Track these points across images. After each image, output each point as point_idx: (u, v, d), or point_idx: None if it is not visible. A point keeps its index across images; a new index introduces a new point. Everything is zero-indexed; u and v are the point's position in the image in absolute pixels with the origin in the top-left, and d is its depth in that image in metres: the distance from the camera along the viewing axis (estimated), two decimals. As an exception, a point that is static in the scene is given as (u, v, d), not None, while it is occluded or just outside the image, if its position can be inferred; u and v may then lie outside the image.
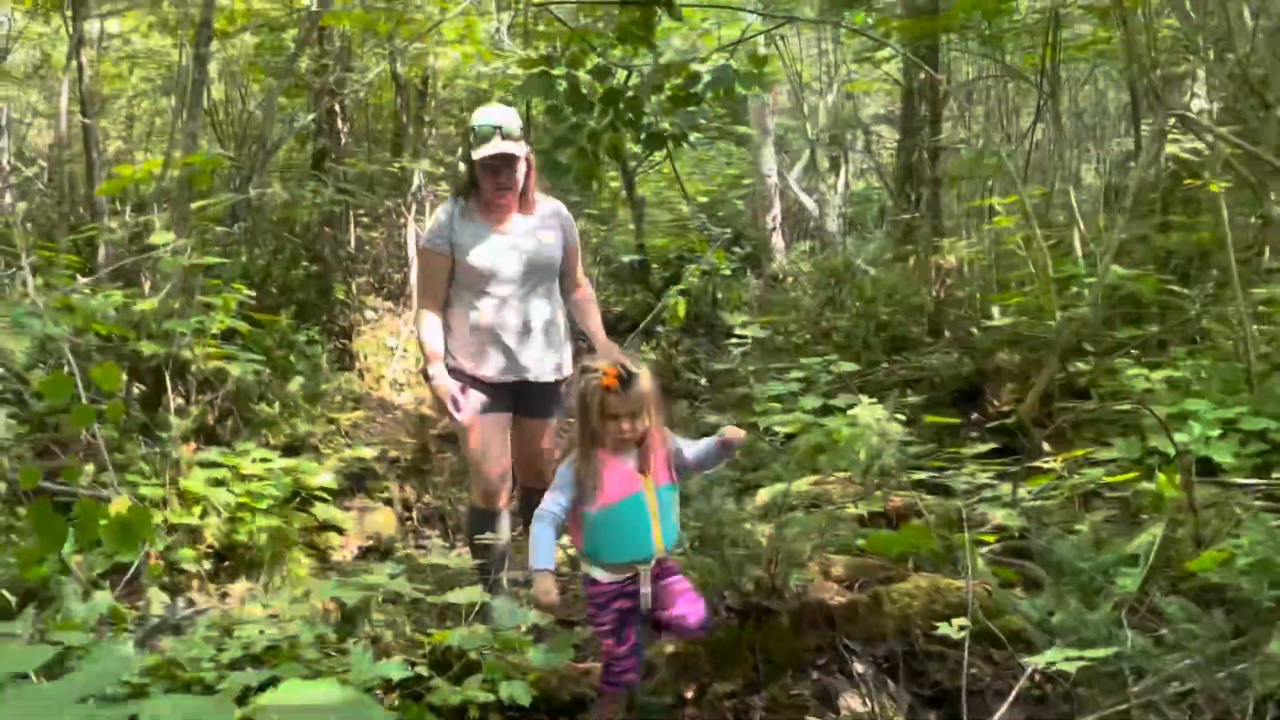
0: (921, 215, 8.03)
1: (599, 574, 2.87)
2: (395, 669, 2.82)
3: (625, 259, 6.37)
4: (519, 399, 3.79)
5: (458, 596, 2.96)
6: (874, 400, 4.34)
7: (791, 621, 3.14)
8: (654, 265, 6.35)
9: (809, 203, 12.35)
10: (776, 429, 4.14)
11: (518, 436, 3.88)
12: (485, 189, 3.62)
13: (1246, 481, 3.90)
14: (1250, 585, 2.48)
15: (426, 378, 3.72)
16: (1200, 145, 7.03)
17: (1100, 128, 11.88)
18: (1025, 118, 9.51)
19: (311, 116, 7.22)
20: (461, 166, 3.87)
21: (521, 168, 3.65)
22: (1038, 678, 2.89)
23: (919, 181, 8.53)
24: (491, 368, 3.69)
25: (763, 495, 4.02)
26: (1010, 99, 9.24)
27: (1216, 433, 4.16)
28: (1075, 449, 4.51)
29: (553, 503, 2.82)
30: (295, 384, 5.89)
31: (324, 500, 4.77)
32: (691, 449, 2.96)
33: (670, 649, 3.22)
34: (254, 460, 4.42)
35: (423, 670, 2.85)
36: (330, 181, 7.58)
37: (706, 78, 4.63)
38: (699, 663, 3.17)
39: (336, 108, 7.92)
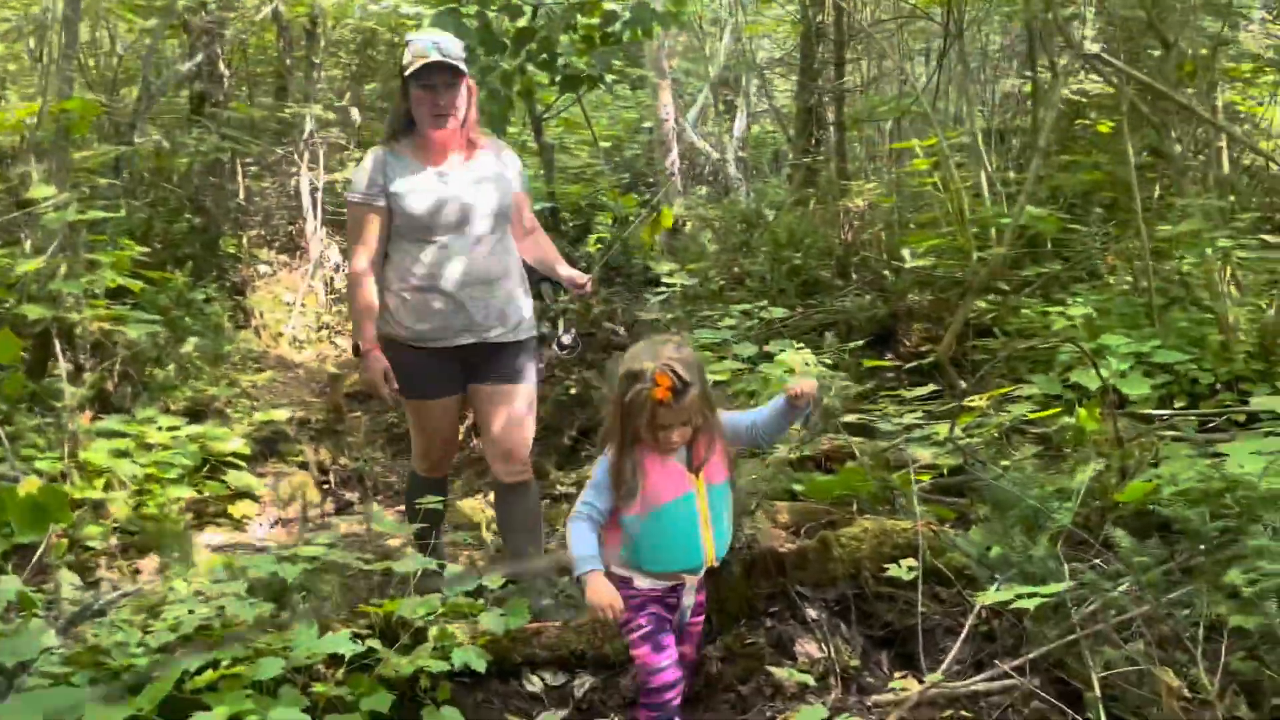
0: (825, 159, 8.06)
1: (638, 580, 2.51)
2: (343, 643, 2.71)
3: (536, 207, 6.18)
4: (476, 365, 3.33)
5: (404, 565, 2.84)
6: (800, 345, 4.34)
7: (742, 570, 3.14)
8: (565, 214, 6.20)
9: (706, 147, 12.29)
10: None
11: (482, 410, 3.40)
12: (422, 119, 3.20)
13: (1161, 412, 4.06)
14: (1195, 515, 2.57)
15: (357, 353, 3.32)
16: (1089, 86, 7.23)
17: (984, 70, 12.11)
18: (923, 62, 9.63)
19: (198, 59, 6.76)
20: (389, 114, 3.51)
21: (463, 93, 3.23)
22: (984, 613, 2.96)
23: (820, 125, 8.55)
24: (439, 329, 3.25)
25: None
26: (906, 43, 9.32)
27: (1127, 366, 4.32)
28: (990, 387, 4.62)
29: (589, 505, 2.44)
30: (191, 344, 5.58)
31: (236, 467, 4.54)
32: (749, 419, 2.57)
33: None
34: (160, 428, 4.16)
35: (373, 643, 2.74)
36: (214, 128, 7.14)
37: (625, 16, 4.48)
38: (651, 616, 3.14)
39: (218, 49, 7.43)
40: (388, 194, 3.22)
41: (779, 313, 4.66)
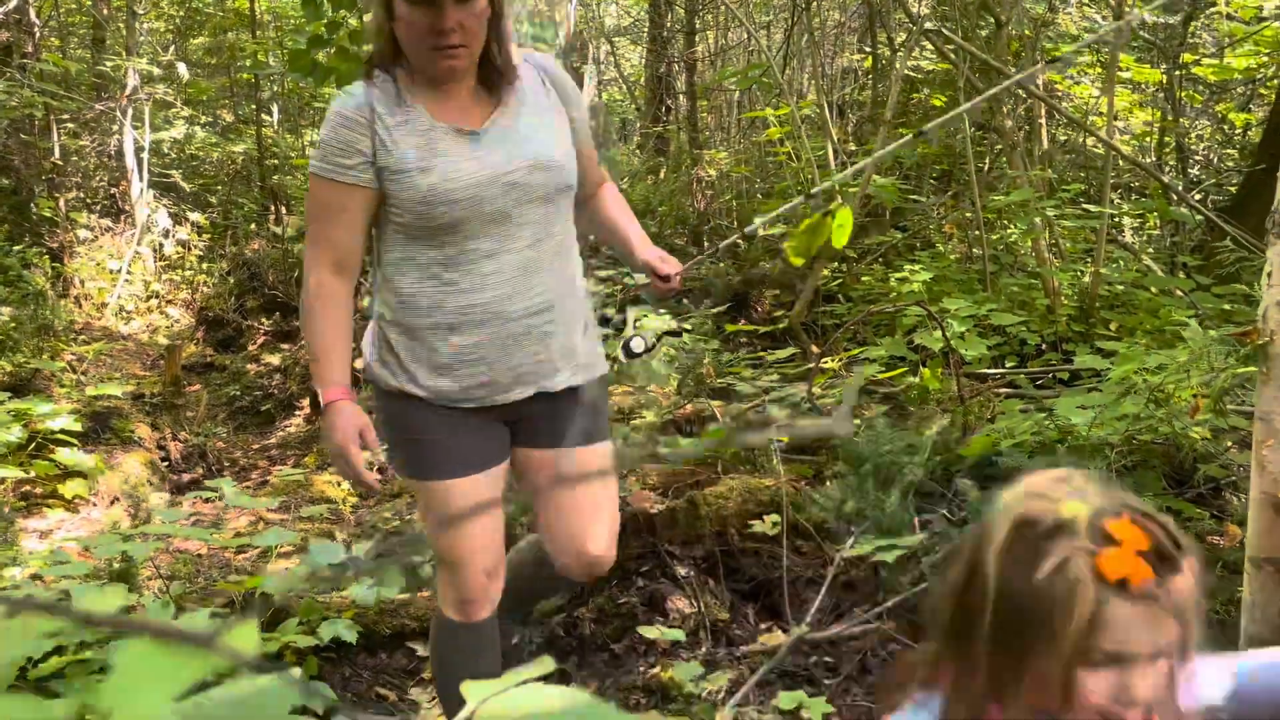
0: (676, 127, 8.14)
1: None
2: (203, 620, 2.60)
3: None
4: (531, 422, 2.09)
5: (268, 539, 2.74)
6: (663, 311, 4.40)
7: (613, 532, 3.18)
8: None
9: (554, 113, 12.20)
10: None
11: (542, 488, 2.23)
12: (418, 53, 1.86)
13: (995, 371, 4.33)
14: (1034, 464, 2.76)
15: (318, 407, 2.09)
16: (924, 62, 7.57)
17: (823, 45, 12.49)
18: (766, 35, 9.82)
19: (8, 7, 6.18)
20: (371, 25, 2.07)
21: (481, 5, 1.84)
22: (844, 564, 3.10)
23: (671, 93, 8.62)
24: (475, 386, 1.98)
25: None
26: (751, 15, 9.49)
27: (965, 328, 4.58)
28: (839, 350, 4.82)
29: None
30: (5, 314, 5.16)
31: (66, 444, 4.25)
32: (1250, 679, 1.19)
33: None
34: (-20, 404, 3.85)
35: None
36: (26, 81, 6.58)
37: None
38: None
39: (26, -6, 6.84)
40: (379, 169, 1.88)
41: (641, 279, 4.69)
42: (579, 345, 2.06)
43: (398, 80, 1.89)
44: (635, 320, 2.39)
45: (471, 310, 1.91)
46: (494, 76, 1.94)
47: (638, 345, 2.36)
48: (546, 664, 0.51)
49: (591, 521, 2.15)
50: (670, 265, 2.17)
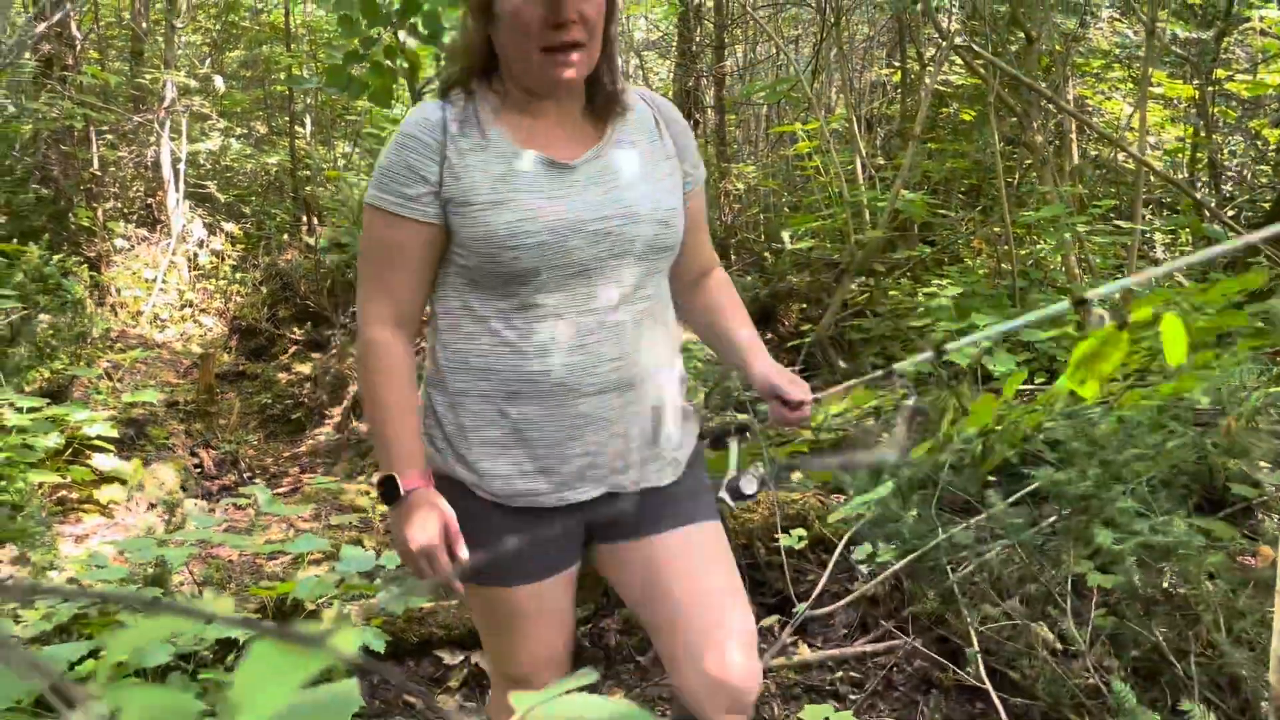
0: (703, 141, 8.17)
1: None
2: (234, 627, 2.64)
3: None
4: (613, 518, 1.66)
5: (299, 546, 2.78)
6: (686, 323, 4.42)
7: (640, 544, 3.19)
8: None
9: (583, 126, 12.27)
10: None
11: (639, 586, 1.69)
12: (524, 54, 1.50)
13: (1025, 387, 4.31)
14: (1064, 480, 2.75)
15: (386, 498, 1.56)
16: (953, 77, 7.56)
17: (852, 59, 12.51)
18: (794, 49, 9.85)
19: (58, 17, 6.32)
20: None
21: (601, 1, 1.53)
22: (867, 576, 3.10)
23: (699, 107, 8.66)
24: (541, 483, 1.60)
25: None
26: (780, 29, 9.51)
27: (993, 344, 4.56)
28: (865, 365, 4.82)
29: None
30: (46, 322, 5.26)
31: (102, 451, 4.32)
32: None
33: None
34: (20, 410, 3.92)
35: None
36: (66, 93, 6.71)
37: (513, -8, 4.43)
38: (549, 592, 3.16)
39: (69, 8, 6.98)
40: (444, 201, 1.54)
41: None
42: (667, 437, 1.62)
43: (481, 99, 1.55)
44: (736, 449, 1.82)
45: (532, 378, 1.53)
46: (601, 100, 1.58)
47: (749, 486, 1.80)
48: (589, 675, 0.53)
49: (714, 628, 1.61)
50: (799, 389, 1.67)
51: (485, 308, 1.55)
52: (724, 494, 1.81)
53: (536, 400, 1.55)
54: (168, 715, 0.31)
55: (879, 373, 1.74)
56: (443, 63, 5.38)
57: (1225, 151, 7.48)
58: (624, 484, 1.61)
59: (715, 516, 1.70)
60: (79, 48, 7.50)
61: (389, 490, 1.54)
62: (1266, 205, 6.48)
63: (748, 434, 1.83)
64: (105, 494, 4.23)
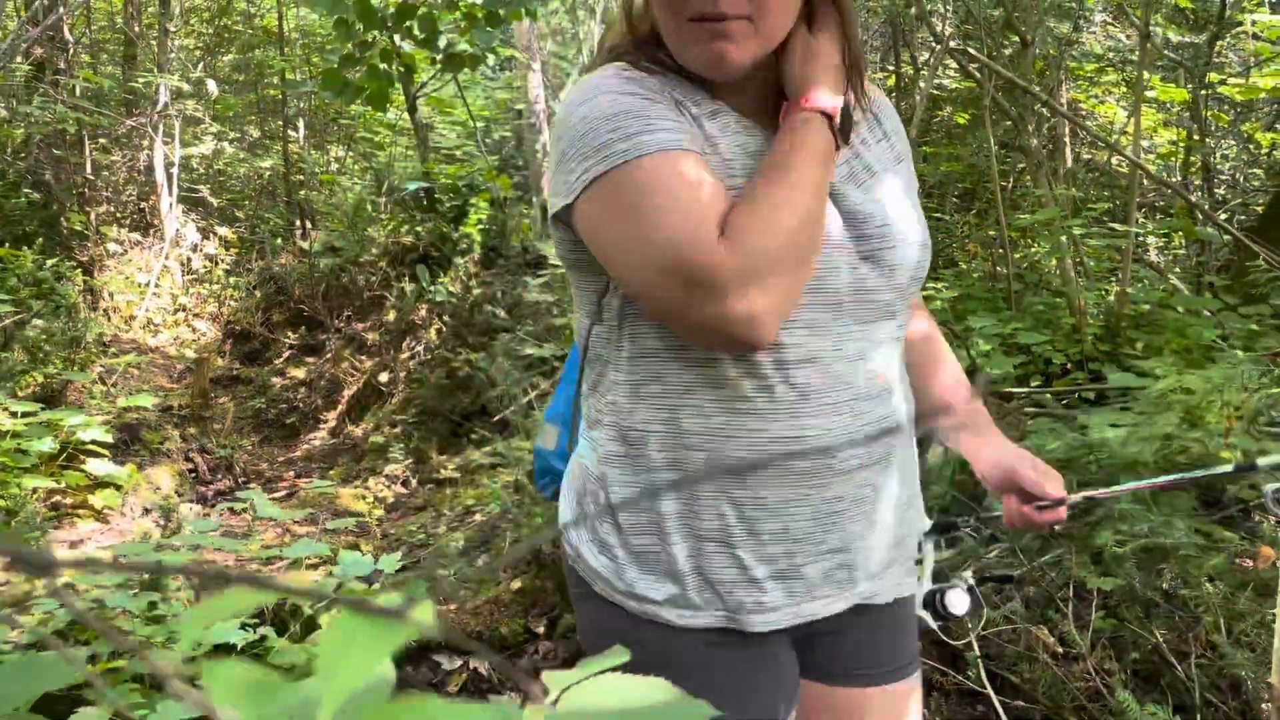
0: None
1: None
2: (233, 632, 2.63)
3: (410, 187, 6.08)
4: (823, 649, 1.24)
5: (297, 550, 2.77)
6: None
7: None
8: (441, 196, 6.10)
9: (577, 130, 12.26)
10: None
11: None
12: (671, 23, 1.10)
13: (1021, 390, 4.32)
14: (1064, 482, 2.75)
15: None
16: (946, 80, 7.58)
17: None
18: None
19: (47, 23, 6.29)
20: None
21: None
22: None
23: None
24: (786, 583, 1.14)
25: (587, 425, 4.02)
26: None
27: (990, 347, 4.57)
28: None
29: None
30: (39, 326, 5.24)
31: (96, 455, 4.30)
32: None
33: (517, 584, 3.19)
34: (15, 414, 3.90)
35: (265, 631, 2.67)
36: (59, 97, 6.69)
37: (509, -5, 4.43)
38: (548, 595, 3.16)
39: (61, 11, 6.96)
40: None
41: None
42: (917, 521, 1.28)
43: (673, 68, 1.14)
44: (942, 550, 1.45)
45: (777, 447, 1.09)
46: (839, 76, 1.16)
47: (958, 604, 1.40)
48: (622, 652, 0.52)
49: None
50: (1054, 483, 1.29)
51: (699, 351, 1.09)
52: (922, 611, 1.40)
53: (780, 477, 1.10)
54: (254, 689, 0.30)
55: (1226, 468, 1.35)
56: (437, 64, 5.42)
57: (1218, 155, 7.51)
58: (877, 592, 1.18)
59: (917, 659, 1.29)
60: (72, 51, 7.49)
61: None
62: (1259, 208, 6.51)
63: (962, 531, 1.44)
64: (100, 499, 4.21)
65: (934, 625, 1.41)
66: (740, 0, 1.05)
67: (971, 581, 1.42)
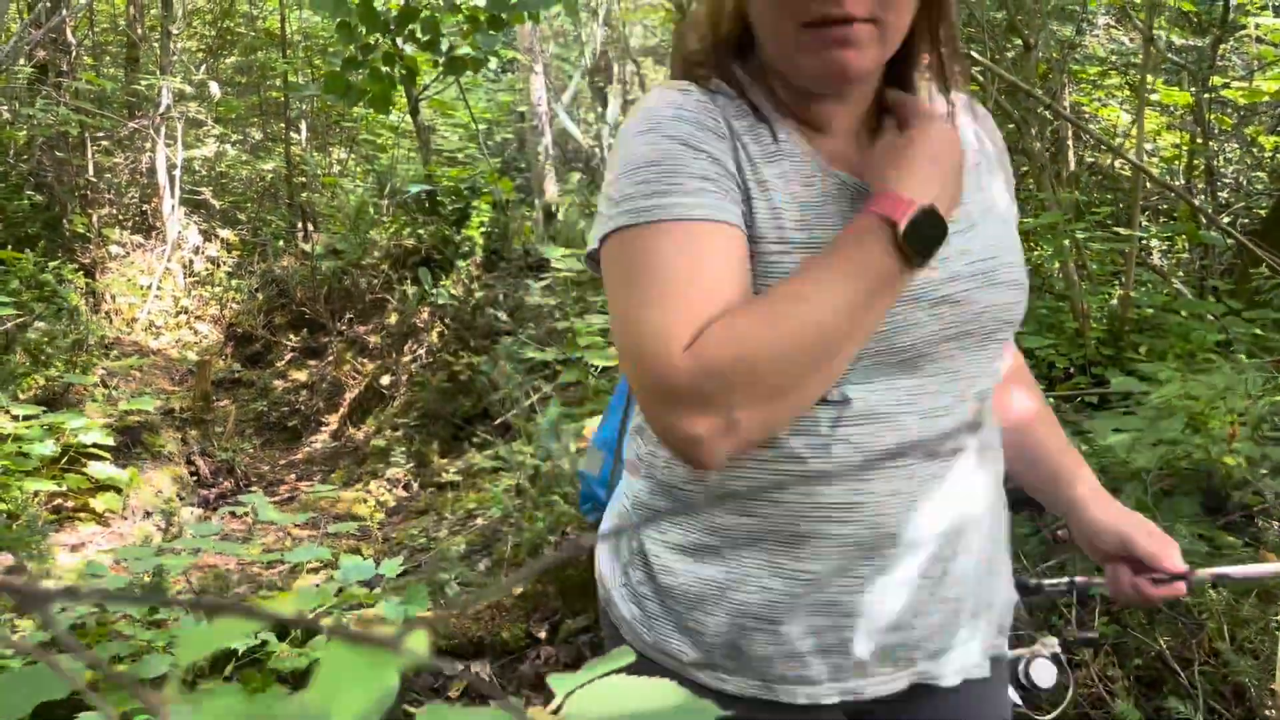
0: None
1: None
2: (234, 637, 2.62)
3: (413, 189, 6.08)
4: None
5: (299, 555, 2.76)
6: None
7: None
8: (443, 198, 6.11)
9: (578, 133, 12.27)
10: (597, 362, 4.13)
11: None
12: (778, 36, 0.97)
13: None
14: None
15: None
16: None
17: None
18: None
19: (54, 23, 6.30)
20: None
21: None
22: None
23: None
24: (833, 658, 1.02)
25: (589, 428, 4.01)
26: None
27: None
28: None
29: None
30: (41, 329, 5.24)
31: (98, 459, 4.29)
32: None
33: (519, 589, 3.18)
34: (16, 417, 3.90)
35: (266, 636, 2.66)
36: (61, 99, 6.69)
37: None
38: (549, 601, 3.15)
39: (64, 13, 6.97)
40: (753, 204, 0.98)
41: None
42: (1000, 592, 1.12)
43: (747, 86, 1.02)
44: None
45: (835, 513, 0.97)
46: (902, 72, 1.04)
47: (1044, 675, 1.28)
48: (627, 653, 0.51)
49: None
50: (1172, 553, 1.15)
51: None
52: (1019, 680, 1.26)
53: (836, 544, 0.98)
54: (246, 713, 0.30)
55: None
56: (439, 67, 5.41)
57: (1221, 158, 7.50)
58: (941, 673, 1.05)
59: None
60: (74, 53, 7.49)
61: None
62: (1262, 211, 6.50)
63: (1048, 593, 1.26)
64: (101, 502, 4.21)
65: (1017, 699, 1.25)
66: (869, 0, 0.91)
67: (1057, 649, 1.26)
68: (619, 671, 0.48)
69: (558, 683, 0.47)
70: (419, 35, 4.71)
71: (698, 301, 0.90)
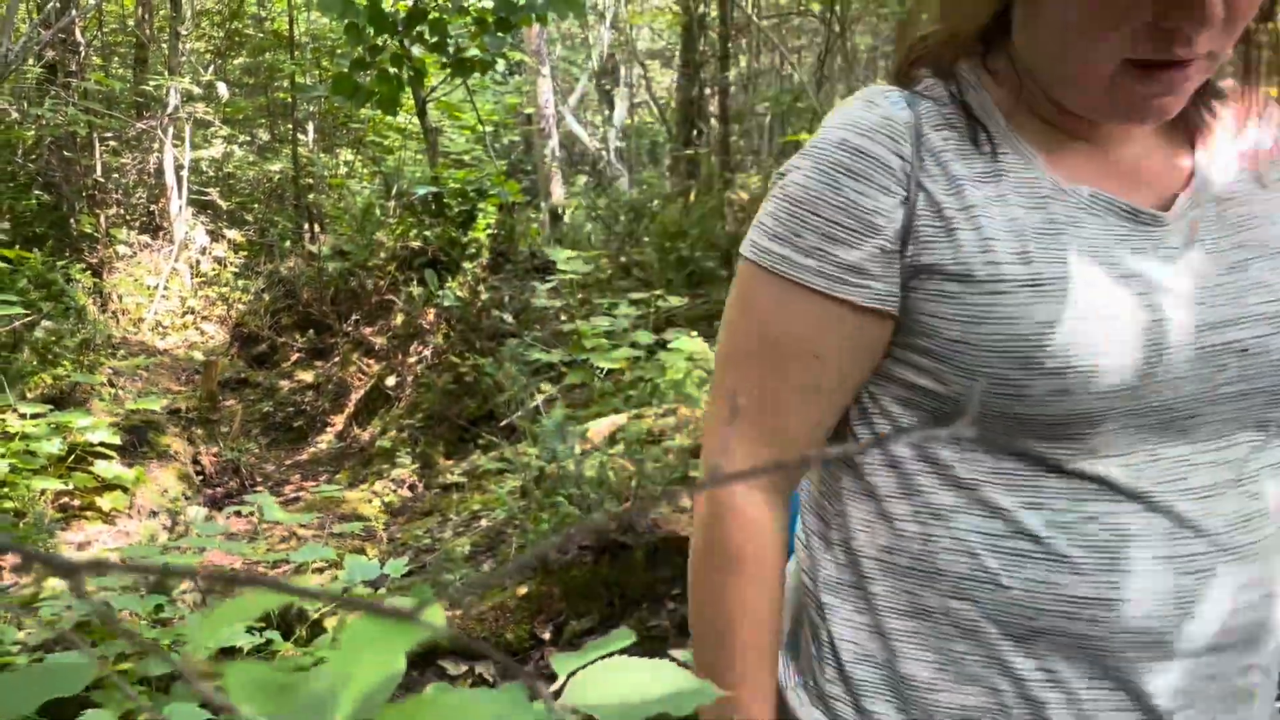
0: (708, 150, 8.19)
1: None
2: (239, 635, 2.63)
3: (420, 191, 6.10)
4: None
5: (304, 554, 2.77)
6: (695, 334, 4.42)
7: (645, 555, 3.19)
8: (449, 200, 6.12)
9: (585, 136, 12.31)
10: (603, 364, 4.14)
11: None
12: (1084, 64, 0.77)
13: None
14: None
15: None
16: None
17: (855, 70, 12.56)
18: (797, 59, 9.88)
19: (63, 23, 6.33)
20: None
21: None
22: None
23: (703, 117, 8.68)
24: None
25: (594, 430, 4.02)
26: (785, 40, 9.55)
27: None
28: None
29: None
30: (48, 328, 5.26)
31: (104, 458, 4.31)
32: None
33: (523, 590, 3.18)
34: (23, 416, 3.91)
35: (271, 635, 2.67)
36: (70, 99, 6.72)
37: (520, 1, 4.45)
38: (554, 602, 3.16)
39: (72, 13, 7.00)
40: (911, 268, 0.83)
41: (677, 301, 4.73)
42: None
43: (973, 89, 0.86)
44: None
45: (1079, 611, 0.80)
46: (1213, 102, 0.89)
47: None
48: (627, 635, 0.52)
49: None
50: None
51: (973, 469, 0.83)
52: None
53: (1078, 649, 0.81)
54: (271, 687, 0.31)
55: None
56: (447, 68, 5.45)
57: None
58: None
59: None
60: (83, 54, 7.52)
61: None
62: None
63: None
64: (107, 501, 4.22)
65: None
66: (1215, 34, 0.74)
67: None
68: (620, 653, 0.49)
69: (560, 662, 0.48)
70: (427, 37, 4.73)
71: (752, 435, 0.86)
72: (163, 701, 2.45)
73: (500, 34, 4.71)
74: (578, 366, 4.06)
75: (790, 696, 0.92)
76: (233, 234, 8.34)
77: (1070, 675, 0.81)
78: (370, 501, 4.55)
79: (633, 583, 3.15)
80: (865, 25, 11.54)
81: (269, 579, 0.30)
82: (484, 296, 5.59)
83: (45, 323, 5.46)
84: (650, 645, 3.05)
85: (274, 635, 2.65)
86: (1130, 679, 0.80)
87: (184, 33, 8.14)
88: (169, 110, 7.67)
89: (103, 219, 7.57)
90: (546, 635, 3.09)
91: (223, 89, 8.38)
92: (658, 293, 4.66)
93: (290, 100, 8.93)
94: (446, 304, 5.63)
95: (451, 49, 4.88)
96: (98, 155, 7.63)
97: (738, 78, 9.09)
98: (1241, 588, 0.80)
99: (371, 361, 6.00)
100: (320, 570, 3.49)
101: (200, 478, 4.94)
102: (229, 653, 2.71)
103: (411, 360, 5.77)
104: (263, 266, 8.03)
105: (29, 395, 4.74)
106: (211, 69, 9.27)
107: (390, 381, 5.72)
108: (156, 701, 2.44)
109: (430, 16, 4.75)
